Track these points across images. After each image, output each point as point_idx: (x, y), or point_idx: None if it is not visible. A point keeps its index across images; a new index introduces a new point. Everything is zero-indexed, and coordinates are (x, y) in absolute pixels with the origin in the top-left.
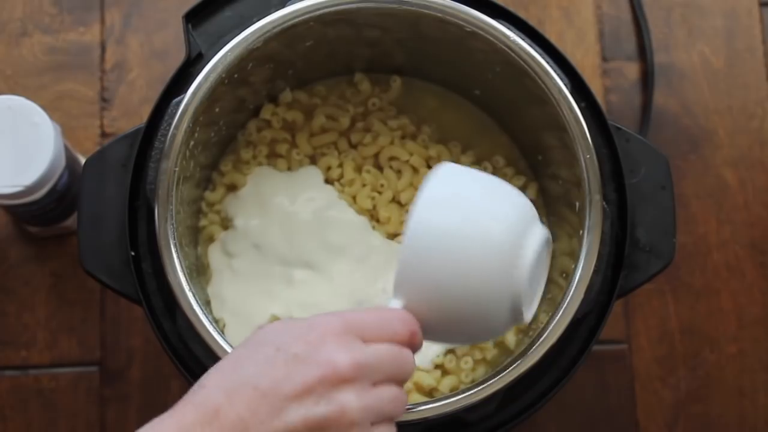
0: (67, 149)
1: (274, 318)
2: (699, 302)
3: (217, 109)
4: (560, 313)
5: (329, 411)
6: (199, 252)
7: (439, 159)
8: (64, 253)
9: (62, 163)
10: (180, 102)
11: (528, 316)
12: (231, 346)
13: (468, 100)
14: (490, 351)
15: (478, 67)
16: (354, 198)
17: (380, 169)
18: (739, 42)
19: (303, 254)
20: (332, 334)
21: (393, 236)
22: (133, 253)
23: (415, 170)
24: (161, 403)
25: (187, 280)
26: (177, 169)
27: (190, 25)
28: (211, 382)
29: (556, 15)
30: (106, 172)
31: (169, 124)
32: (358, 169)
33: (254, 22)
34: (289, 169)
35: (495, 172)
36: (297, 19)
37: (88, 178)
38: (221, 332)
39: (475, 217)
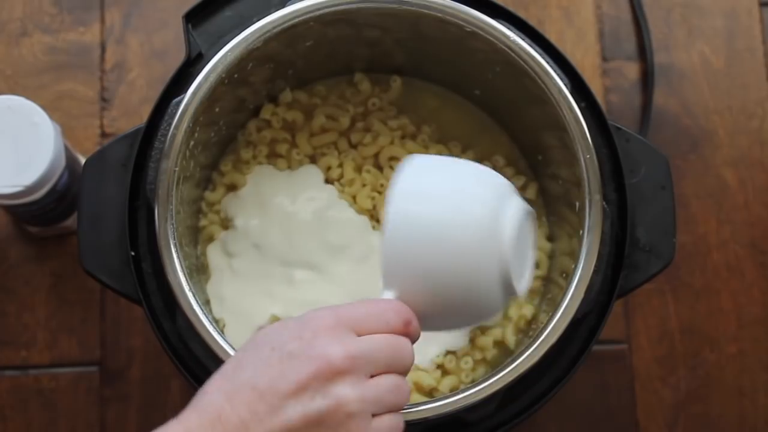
0: (67, 149)
1: (274, 318)
2: (699, 302)
3: (217, 109)
4: (560, 313)
5: (326, 405)
6: (199, 252)
7: None
8: (64, 253)
9: (62, 163)
10: (180, 102)
11: (521, 288)
12: (231, 346)
13: (468, 100)
14: (490, 351)
15: (478, 67)
16: (354, 198)
17: (380, 169)
18: (739, 42)
19: (303, 254)
20: (325, 329)
21: None
22: (133, 253)
23: None
24: (161, 403)
25: (187, 280)
26: (177, 169)
27: (190, 25)
28: (213, 386)
29: (556, 15)
30: (106, 172)
31: (169, 124)
32: (358, 169)
33: (254, 22)
34: (289, 168)
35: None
36: (297, 19)
37: (88, 178)
38: (221, 332)
39: (450, 200)
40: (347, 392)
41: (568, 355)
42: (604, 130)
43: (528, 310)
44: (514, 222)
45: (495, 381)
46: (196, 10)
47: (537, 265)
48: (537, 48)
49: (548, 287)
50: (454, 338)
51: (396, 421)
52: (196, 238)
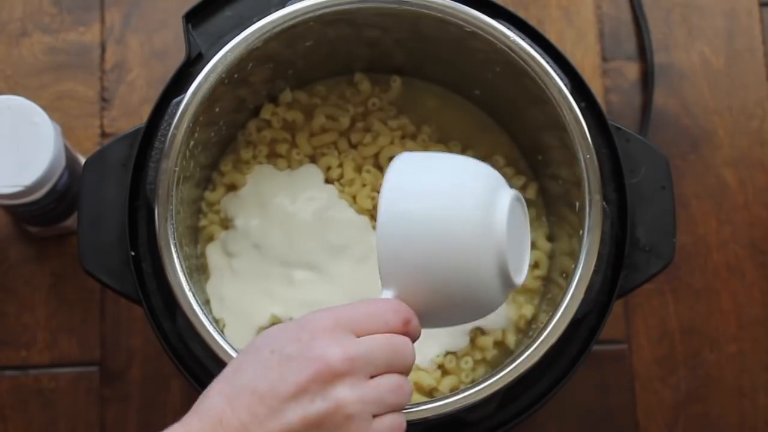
0: (67, 149)
1: (274, 318)
2: (699, 302)
3: (217, 109)
4: (560, 313)
5: (325, 407)
6: (199, 252)
7: None
8: (64, 253)
9: (62, 163)
10: (180, 102)
11: (519, 279)
12: (231, 346)
13: (468, 100)
14: (490, 351)
15: (478, 67)
16: (354, 198)
17: (380, 169)
18: (739, 42)
19: (303, 254)
20: (324, 331)
21: None
22: (133, 253)
23: None
24: (161, 403)
25: (187, 280)
26: (177, 169)
27: (190, 25)
28: (214, 390)
29: (556, 15)
30: (106, 172)
31: (169, 124)
32: (358, 169)
33: (254, 22)
34: (289, 168)
35: None
36: (297, 19)
37: (88, 178)
38: (221, 332)
39: (441, 194)
40: (346, 394)
41: (568, 355)
42: (604, 130)
43: (528, 310)
44: (506, 209)
45: (495, 381)
46: (196, 10)
47: (537, 265)
48: (537, 48)
49: (548, 287)
50: (455, 339)
51: (397, 420)
52: (196, 238)
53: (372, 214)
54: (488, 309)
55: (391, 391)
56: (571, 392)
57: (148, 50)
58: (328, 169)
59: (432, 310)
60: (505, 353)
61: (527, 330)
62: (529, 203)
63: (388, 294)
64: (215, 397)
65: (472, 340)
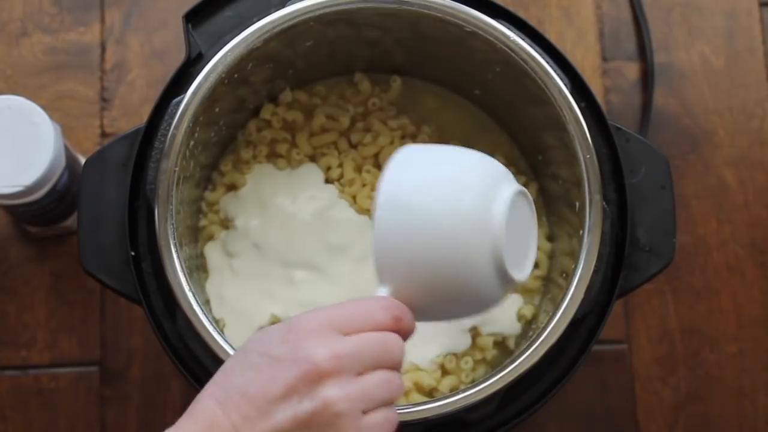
0: (67, 149)
1: (274, 318)
2: (699, 302)
3: (217, 109)
4: (560, 313)
5: (313, 407)
6: (199, 251)
7: None
8: (64, 253)
9: (62, 163)
10: (180, 102)
11: (519, 275)
12: (231, 346)
13: (468, 100)
14: (490, 351)
15: (478, 67)
16: (354, 198)
17: (380, 168)
18: (739, 42)
19: (303, 254)
20: (310, 332)
21: None
22: (133, 253)
23: None
24: (161, 403)
25: (187, 280)
26: (177, 169)
27: (190, 25)
28: (206, 394)
29: (556, 15)
30: (106, 172)
31: (169, 124)
32: (358, 169)
33: (254, 22)
34: (289, 167)
35: None
36: (297, 19)
37: (88, 178)
38: (221, 332)
39: (436, 188)
40: (333, 393)
41: (568, 355)
42: (604, 130)
43: (528, 310)
44: (506, 206)
45: (495, 381)
46: (196, 10)
47: (537, 265)
48: (537, 48)
49: (548, 287)
50: (457, 340)
51: (388, 415)
52: (196, 238)
53: (372, 214)
54: (487, 304)
55: (379, 386)
56: (571, 392)
57: (148, 50)
58: (328, 169)
59: (428, 304)
60: (505, 353)
61: (527, 330)
62: None
63: (383, 289)
64: (207, 400)
65: (473, 340)
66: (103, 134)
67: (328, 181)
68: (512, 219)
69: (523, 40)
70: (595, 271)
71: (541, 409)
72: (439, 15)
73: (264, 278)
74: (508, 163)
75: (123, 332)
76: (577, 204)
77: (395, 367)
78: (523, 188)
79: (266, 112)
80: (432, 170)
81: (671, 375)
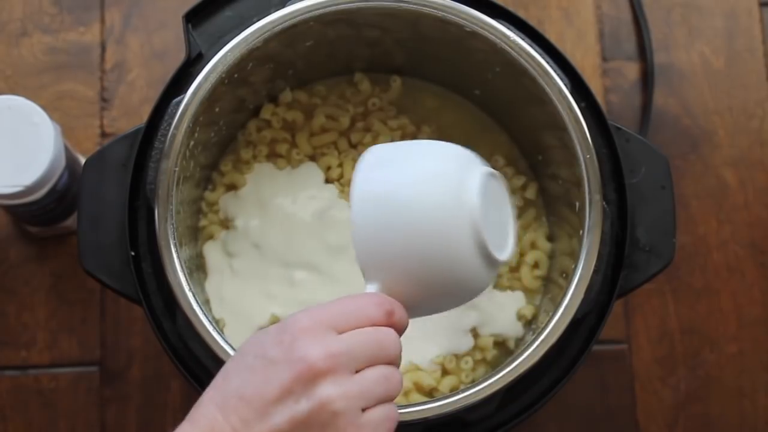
0: (67, 149)
1: (274, 318)
2: (699, 302)
3: (217, 109)
4: (560, 313)
5: (310, 407)
6: (198, 252)
7: None
8: (64, 253)
9: (62, 163)
10: (180, 102)
11: (502, 255)
12: (231, 346)
13: (468, 100)
14: (490, 351)
15: (478, 67)
16: None
17: None
18: (739, 42)
19: (303, 254)
20: (304, 331)
21: None
22: (133, 253)
23: None
24: (161, 403)
25: (187, 280)
26: (177, 169)
27: (190, 25)
28: (205, 398)
29: (556, 15)
30: (106, 172)
31: (169, 124)
32: None
33: (254, 22)
34: (290, 167)
35: None
36: (297, 19)
37: (88, 178)
38: (221, 332)
39: (409, 180)
40: (330, 392)
41: (568, 355)
42: (604, 130)
43: (528, 310)
44: (478, 188)
45: (495, 381)
46: (196, 10)
47: (537, 265)
48: (537, 48)
49: (548, 287)
50: (459, 341)
51: (387, 411)
52: (196, 238)
53: None
54: (475, 290)
55: (377, 383)
56: (571, 392)
57: (148, 50)
58: (328, 169)
59: (418, 297)
60: (505, 353)
61: (527, 330)
62: (529, 203)
63: (372, 287)
64: (207, 405)
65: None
66: (103, 134)
67: (328, 181)
68: (487, 201)
69: (523, 40)
70: (595, 271)
71: (541, 409)
72: (439, 15)
73: (264, 278)
74: (508, 163)
75: (123, 332)
76: (577, 204)
77: (392, 362)
78: (494, 170)
79: (266, 112)
80: (402, 165)
81: (671, 375)
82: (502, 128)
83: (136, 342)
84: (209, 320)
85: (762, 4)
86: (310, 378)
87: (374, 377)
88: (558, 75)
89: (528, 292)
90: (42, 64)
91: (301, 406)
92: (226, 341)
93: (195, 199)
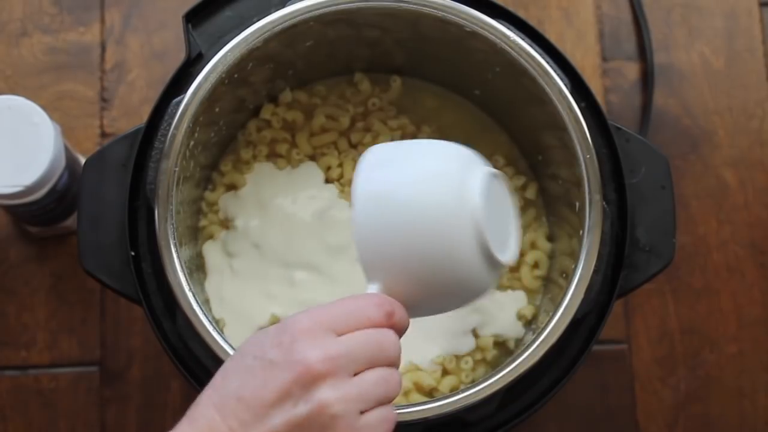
0: (67, 149)
1: (274, 318)
2: (699, 302)
3: (217, 109)
4: (560, 313)
5: (308, 410)
6: (198, 252)
7: None
8: (64, 253)
9: (62, 163)
10: (180, 102)
11: (505, 257)
12: (231, 346)
13: (468, 100)
14: (490, 351)
15: (478, 67)
16: None
17: None
18: (739, 42)
19: (303, 255)
20: (303, 333)
21: None
22: (133, 253)
23: None
24: (161, 403)
25: (187, 280)
26: (177, 169)
27: (190, 25)
28: (204, 398)
29: (556, 15)
30: (106, 172)
31: (169, 124)
32: None
33: (254, 22)
34: (290, 166)
35: None
36: (297, 19)
37: (88, 178)
38: (221, 332)
39: (411, 181)
40: (328, 395)
41: (568, 355)
42: (604, 130)
43: (528, 310)
44: (481, 189)
45: (495, 381)
46: (196, 10)
47: (537, 265)
48: (537, 48)
49: (548, 287)
50: (460, 342)
51: (385, 413)
52: (196, 238)
53: None
54: (477, 292)
55: (376, 385)
56: (571, 392)
57: (148, 50)
58: (328, 169)
59: (419, 297)
60: (505, 353)
61: (527, 330)
62: (529, 203)
63: (373, 287)
64: (205, 405)
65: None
66: (103, 134)
67: (328, 181)
68: (490, 201)
69: (523, 40)
70: (595, 271)
71: (541, 409)
72: (439, 15)
73: (264, 278)
74: (508, 163)
75: (123, 332)
76: (577, 204)
77: (391, 363)
78: (497, 170)
79: (266, 112)
80: (403, 164)
81: (671, 375)
82: (502, 128)
83: (136, 342)
84: (209, 320)
85: (762, 4)
86: (309, 381)
87: (373, 380)
88: (558, 75)
89: (528, 292)
90: (42, 64)
91: (299, 409)
92: (226, 341)
93: (195, 199)
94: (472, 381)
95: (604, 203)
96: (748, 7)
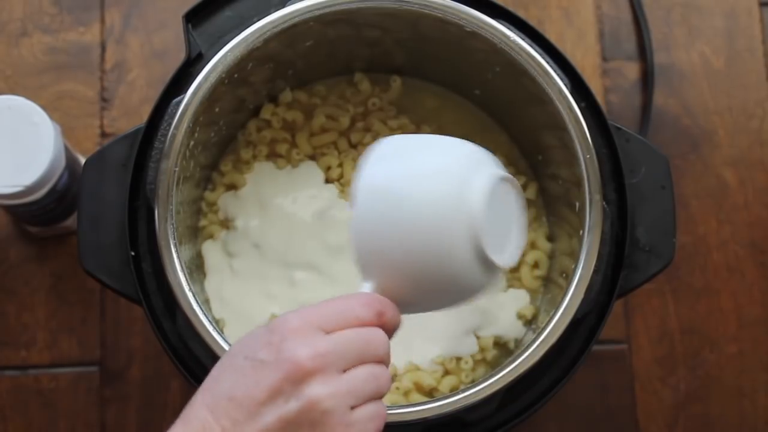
0: (67, 149)
1: (274, 318)
2: (699, 302)
3: (217, 109)
4: (560, 313)
5: (299, 406)
6: (198, 252)
7: None
8: (64, 253)
9: (62, 163)
10: (180, 102)
11: (502, 260)
12: (231, 346)
13: (468, 100)
14: (490, 351)
15: (478, 67)
16: None
17: None
18: (739, 42)
19: (303, 255)
20: (293, 332)
21: None
22: (133, 253)
23: None
24: (161, 403)
25: (187, 279)
26: (177, 169)
27: (190, 25)
28: (197, 399)
29: (556, 15)
30: (106, 172)
31: (169, 124)
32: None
33: (254, 22)
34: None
35: None
36: (297, 19)
37: (88, 178)
38: (221, 332)
39: (412, 177)
40: (318, 391)
41: (568, 355)
42: (604, 130)
43: (528, 310)
44: (484, 190)
45: (495, 381)
46: (196, 10)
47: (537, 265)
48: (537, 48)
49: (548, 287)
50: (462, 343)
51: (375, 408)
52: (196, 237)
53: None
54: (471, 291)
55: (366, 381)
56: (571, 392)
57: (148, 50)
58: (328, 168)
59: (413, 296)
60: (505, 353)
61: (527, 330)
62: (529, 203)
63: (367, 286)
64: (198, 406)
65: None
66: (103, 134)
67: (328, 181)
68: (495, 204)
69: (523, 40)
70: (595, 271)
71: (541, 409)
72: (439, 15)
73: (264, 278)
74: (508, 163)
75: (123, 332)
76: (577, 204)
77: (381, 360)
78: (509, 175)
79: (266, 112)
80: (406, 159)
81: (671, 375)
82: (502, 128)
83: (136, 342)
84: (209, 320)
85: (762, 4)
86: (299, 378)
87: (363, 376)
88: (558, 75)
89: (528, 292)
90: (42, 64)
91: (290, 406)
92: (226, 341)
93: (195, 199)
94: (472, 381)
95: (604, 203)
96: (748, 6)
